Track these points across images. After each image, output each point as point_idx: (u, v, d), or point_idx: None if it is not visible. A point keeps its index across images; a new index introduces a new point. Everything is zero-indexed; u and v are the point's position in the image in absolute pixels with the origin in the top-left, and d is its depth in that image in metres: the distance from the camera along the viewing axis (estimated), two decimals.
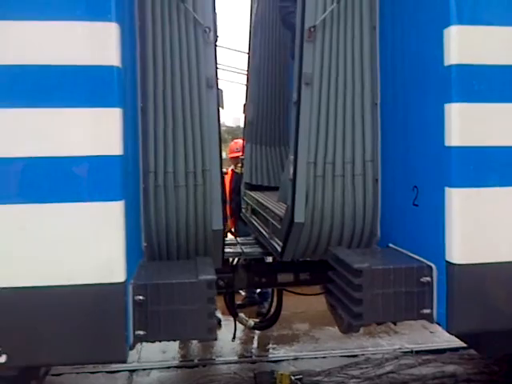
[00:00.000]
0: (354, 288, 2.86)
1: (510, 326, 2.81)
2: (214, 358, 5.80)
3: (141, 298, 2.59)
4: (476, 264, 2.68)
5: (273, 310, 5.06)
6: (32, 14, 2.34)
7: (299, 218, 3.31)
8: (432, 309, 2.85)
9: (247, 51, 5.73)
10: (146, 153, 3.11)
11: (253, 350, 6.04)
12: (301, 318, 6.77)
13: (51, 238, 2.40)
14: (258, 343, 6.20)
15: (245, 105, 5.59)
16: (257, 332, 6.14)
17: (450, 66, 2.60)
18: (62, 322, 2.41)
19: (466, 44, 2.60)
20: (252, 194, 5.22)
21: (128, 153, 2.63)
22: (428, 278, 2.83)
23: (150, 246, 3.16)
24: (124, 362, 2.49)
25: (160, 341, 2.71)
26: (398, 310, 2.87)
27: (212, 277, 2.71)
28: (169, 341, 2.75)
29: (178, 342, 6.01)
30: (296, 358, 5.70)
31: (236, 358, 5.82)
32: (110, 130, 2.42)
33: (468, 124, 2.62)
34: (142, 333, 2.59)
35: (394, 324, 3.60)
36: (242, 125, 5.68)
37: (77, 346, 2.44)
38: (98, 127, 2.42)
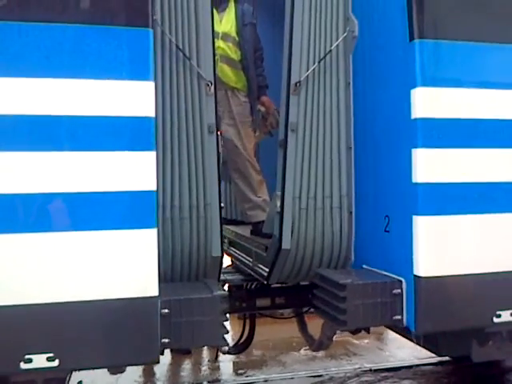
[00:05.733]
0: (339, 300, 3.42)
1: (462, 326, 3.45)
2: (186, 382, 6.10)
3: (166, 311, 3.02)
4: (437, 277, 3.31)
5: (245, 336, 5.43)
6: (92, 74, 2.85)
7: (286, 245, 3.83)
8: (402, 315, 3.44)
9: None
10: (156, 189, 3.53)
11: (223, 376, 6.38)
12: (266, 345, 7.15)
13: (100, 260, 2.82)
14: (229, 368, 6.56)
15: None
16: (227, 357, 6.50)
17: (416, 119, 3.29)
18: (105, 331, 2.81)
19: (428, 102, 3.29)
20: (228, 227, 5.71)
21: None
22: (399, 290, 3.43)
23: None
24: (157, 363, 2.90)
25: (181, 347, 3.13)
26: (374, 317, 3.46)
27: (225, 292, 3.20)
28: (189, 348, 3.17)
29: (146, 370, 6.26)
30: (266, 380, 6.08)
31: (207, 382, 6.15)
32: (147, 170, 2.91)
33: (430, 165, 3.29)
34: (166, 340, 3.01)
35: (368, 332, 4.15)
36: None
37: (118, 351, 2.84)
38: (137, 167, 2.90)
